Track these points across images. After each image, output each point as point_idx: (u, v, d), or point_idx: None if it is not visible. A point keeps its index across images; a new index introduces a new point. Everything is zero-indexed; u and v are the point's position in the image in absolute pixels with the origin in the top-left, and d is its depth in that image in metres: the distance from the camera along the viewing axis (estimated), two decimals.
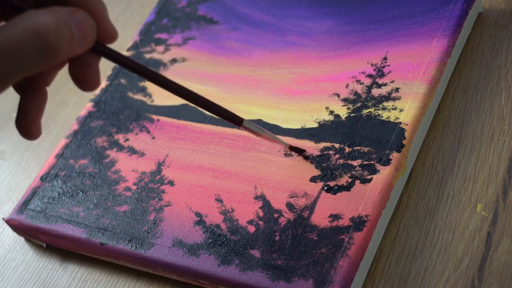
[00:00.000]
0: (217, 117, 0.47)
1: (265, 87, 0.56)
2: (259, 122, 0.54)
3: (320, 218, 0.47)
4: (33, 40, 0.35)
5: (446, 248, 0.46)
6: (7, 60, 0.35)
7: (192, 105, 0.57)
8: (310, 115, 0.53)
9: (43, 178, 0.56)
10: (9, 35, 0.35)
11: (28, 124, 0.41)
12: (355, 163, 0.49)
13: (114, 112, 0.59)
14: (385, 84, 0.53)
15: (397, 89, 0.52)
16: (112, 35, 0.40)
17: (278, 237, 0.47)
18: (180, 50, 0.62)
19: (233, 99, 0.57)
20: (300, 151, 0.51)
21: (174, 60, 0.61)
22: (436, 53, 0.52)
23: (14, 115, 0.65)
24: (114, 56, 0.41)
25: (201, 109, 0.46)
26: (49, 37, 0.36)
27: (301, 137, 0.52)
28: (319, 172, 0.49)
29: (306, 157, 0.51)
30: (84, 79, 0.41)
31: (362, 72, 0.54)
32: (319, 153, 0.51)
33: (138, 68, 0.42)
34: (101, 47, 0.40)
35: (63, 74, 0.66)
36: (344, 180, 0.48)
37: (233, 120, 0.47)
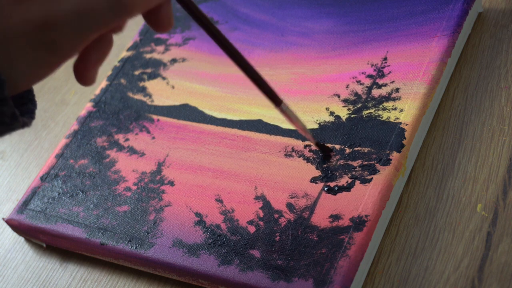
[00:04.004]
0: (258, 90, 0.46)
1: None
2: (259, 122, 0.54)
3: (320, 219, 0.47)
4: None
5: (446, 248, 0.46)
6: (82, 18, 0.35)
7: (192, 104, 0.58)
8: (311, 115, 0.53)
9: (43, 178, 0.56)
10: None
11: (87, 71, 0.41)
12: (355, 163, 0.49)
13: (114, 112, 0.59)
14: (385, 85, 0.53)
15: (397, 89, 0.52)
16: None
17: (278, 237, 0.47)
18: (180, 50, 0.62)
19: (233, 99, 0.57)
20: (327, 150, 0.50)
21: (174, 60, 0.61)
22: (436, 53, 0.52)
23: None
24: (186, 3, 0.41)
25: (248, 79, 0.45)
26: None
27: (302, 138, 0.52)
28: (320, 173, 0.49)
29: (327, 158, 0.50)
30: (156, 20, 0.40)
31: (362, 73, 0.54)
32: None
33: (205, 23, 0.42)
34: None
35: (63, 74, 0.67)
36: (344, 180, 0.48)
37: (272, 98, 0.46)
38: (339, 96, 0.53)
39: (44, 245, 0.55)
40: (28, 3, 0.35)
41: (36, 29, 0.35)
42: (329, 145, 0.51)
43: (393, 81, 0.52)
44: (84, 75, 0.41)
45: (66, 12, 0.35)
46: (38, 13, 0.35)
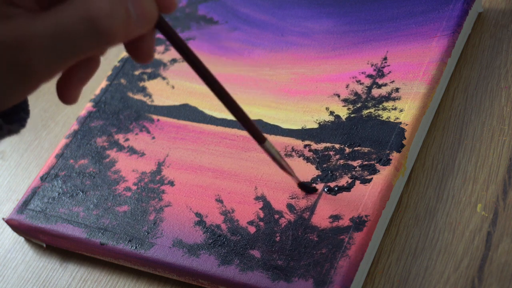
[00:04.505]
0: (242, 127, 0.45)
1: (265, 87, 0.56)
2: (259, 122, 0.54)
3: (320, 219, 0.47)
4: (86, 24, 0.34)
5: (446, 248, 0.46)
6: (59, 43, 0.34)
7: (192, 104, 0.58)
8: (311, 115, 0.53)
9: (43, 178, 0.56)
10: (61, 18, 0.34)
11: (69, 90, 0.39)
12: (355, 163, 0.49)
13: (114, 112, 0.59)
14: (385, 84, 0.53)
15: (397, 89, 0.52)
16: (170, 5, 0.38)
17: (278, 238, 0.47)
18: None
19: None
20: (310, 190, 0.49)
21: (174, 60, 0.61)
22: (436, 53, 0.52)
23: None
24: (171, 36, 0.40)
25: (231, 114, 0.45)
26: (102, 22, 0.34)
27: (302, 138, 0.52)
28: (320, 173, 0.49)
29: (313, 191, 0.49)
30: (136, 51, 0.39)
31: (362, 72, 0.54)
32: (319, 153, 0.51)
33: (190, 57, 0.41)
34: (162, 25, 0.39)
35: None
36: (344, 180, 0.48)
37: (255, 136, 0.45)
38: (339, 96, 0.53)
39: (44, 245, 0.55)
40: (1, 24, 0.34)
41: (9, 50, 0.34)
42: (328, 144, 0.51)
43: (393, 81, 0.52)
44: (65, 94, 0.40)
45: (40, 35, 0.34)
46: (11, 34, 0.34)
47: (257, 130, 0.45)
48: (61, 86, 0.39)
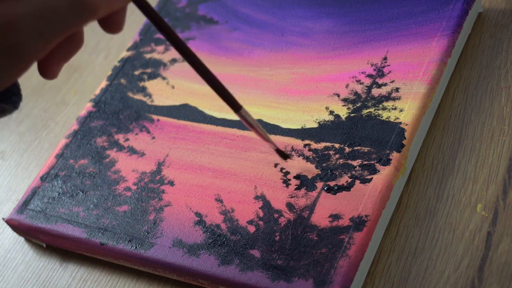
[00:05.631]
0: (218, 96, 0.46)
1: (265, 87, 0.56)
2: (259, 122, 0.54)
3: (320, 218, 0.47)
4: (70, 0, 0.35)
5: (446, 248, 0.46)
6: (44, 20, 0.35)
7: (192, 104, 0.58)
8: (310, 115, 0.53)
9: (43, 178, 0.56)
10: None
11: (50, 66, 0.40)
12: (355, 163, 0.49)
13: (114, 112, 0.59)
14: (385, 84, 0.53)
15: (397, 89, 0.52)
16: None
17: (278, 237, 0.47)
18: None
19: None
20: (284, 156, 0.50)
21: (174, 60, 0.61)
22: (436, 53, 0.52)
23: (14, 115, 0.65)
24: (146, 9, 0.41)
25: (207, 84, 0.46)
26: None
27: (302, 137, 0.52)
28: (319, 172, 0.49)
29: (287, 157, 0.50)
30: (108, 21, 0.40)
31: (362, 72, 0.54)
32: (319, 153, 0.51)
33: (164, 29, 0.42)
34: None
35: (63, 74, 0.67)
36: (344, 180, 0.48)
37: (231, 103, 0.46)
38: (339, 96, 0.53)
39: (44, 245, 0.55)
40: None
41: None
42: (328, 144, 0.51)
43: (393, 81, 0.52)
44: (46, 70, 0.40)
45: (26, 13, 0.34)
46: None
47: (232, 98, 0.46)
48: (43, 62, 0.40)
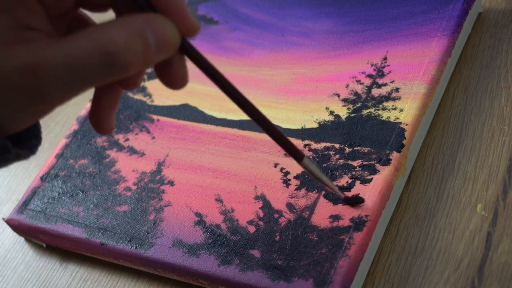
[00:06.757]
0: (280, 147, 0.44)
1: (265, 87, 0.56)
2: None
3: (320, 219, 0.47)
4: (101, 57, 0.33)
5: (446, 248, 0.46)
6: (71, 73, 0.33)
7: (192, 104, 0.58)
8: (310, 115, 0.53)
9: (43, 178, 0.56)
10: (75, 49, 0.33)
11: (101, 120, 0.39)
12: (355, 163, 0.49)
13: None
14: (385, 84, 0.53)
15: (397, 89, 0.52)
16: (194, 30, 0.37)
17: (278, 237, 0.47)
18: None
19: None
20: (358, 201, 0.47)
21: None
22: (436, 53, 0.52)
23: None
24: (197, 58, 0.38)
25: (267, 134, 0.43)
26: (118, 54, 0.33)
27: (302, 137, 0.52)
28: None
29: (360, 201, 0.47)
30: (169, 77, 0.38)
31: (362, 72, 0.54)
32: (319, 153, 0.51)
33: (218, 78, 0.39)
34: (186, 47, 0.37)
35: None
36: (344, 180, 0.48)
37: (293, 153, 0.43)
38: (339, 96, 0.53)
39: (44, 245, 0.55)
40: (18, 48, 0.33)
41: (24, 75, 0.33)
42: (328, 144, 0.51)
43: (393, 81, 0.52)
44: (101, 125, 0.39)
45: (53, 63, 0.33)
46: (27, 59, 0.33)
47: (294, 147, 0.43)
48: (94, 118, 0.39)
